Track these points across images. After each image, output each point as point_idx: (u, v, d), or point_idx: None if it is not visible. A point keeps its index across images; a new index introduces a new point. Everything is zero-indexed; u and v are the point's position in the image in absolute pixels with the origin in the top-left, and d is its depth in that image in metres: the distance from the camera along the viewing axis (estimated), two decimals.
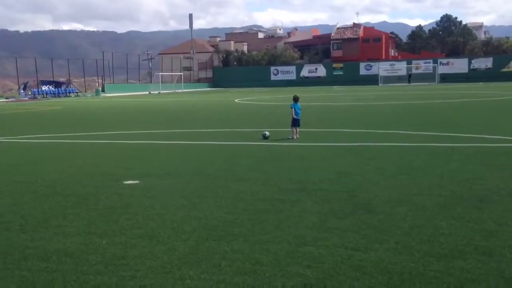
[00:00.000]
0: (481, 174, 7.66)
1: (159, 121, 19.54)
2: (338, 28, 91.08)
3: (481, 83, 62.33)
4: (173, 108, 28.48)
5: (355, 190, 6.79)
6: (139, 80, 73.66)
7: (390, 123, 15.95)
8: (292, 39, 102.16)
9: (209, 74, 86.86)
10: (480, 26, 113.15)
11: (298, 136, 12.11)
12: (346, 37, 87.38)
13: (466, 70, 73.75)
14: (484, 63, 74.06)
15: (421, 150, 10.20)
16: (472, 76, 71.46)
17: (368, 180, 7.44)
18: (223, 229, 5.22)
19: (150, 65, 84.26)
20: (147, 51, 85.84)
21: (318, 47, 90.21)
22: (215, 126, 16.51)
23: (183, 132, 14.93)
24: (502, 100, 26.91)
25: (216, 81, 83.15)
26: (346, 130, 14.29)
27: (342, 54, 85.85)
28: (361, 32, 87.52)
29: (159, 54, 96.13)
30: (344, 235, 4.90)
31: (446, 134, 12.63)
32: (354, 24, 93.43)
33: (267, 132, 12.16)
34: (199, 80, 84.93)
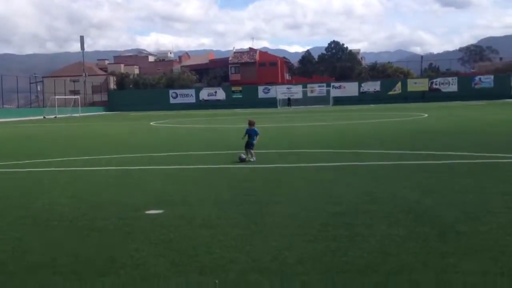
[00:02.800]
0: None
1: (102, 147, 18.03)
2: (235, 53, 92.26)
3: (371, 105, 66.16)
4: (99, 134, 26.65)
5: (412, 210, 6.49)
6: (30, 104, 68.83)
7: (343, 143, 16.01)
8: (189, 62, 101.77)
9: (104, 97, 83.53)
10: (357, 53, 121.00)
11: (253, 157, 11.58)
12: (243, 61, 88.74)
13: (356, 93, 78.16)
14: (372, 86, 79.00)
15: (417, 169, 10.22)
16: (363, 98, 75.86)
17: (405, 198, 7.18)
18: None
19: (39, 88, 79.35)
20: (34, 74, 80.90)
21: (216, 70, 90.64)
22: (167, 150, 15.50)
23: (145, 156, 13.80)
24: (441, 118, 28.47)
25: (112, 105, 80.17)
26: (305, 150, 14.07)
27: (240, 77, 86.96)
28: (257, 57, 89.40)
29: (42, 77, 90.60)
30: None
31: (422, 152, 12.85)
32: (251, 48, 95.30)
33: (243, 155, 11.54)
34: (93, 104, 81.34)
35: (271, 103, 73.98)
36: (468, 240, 5.06)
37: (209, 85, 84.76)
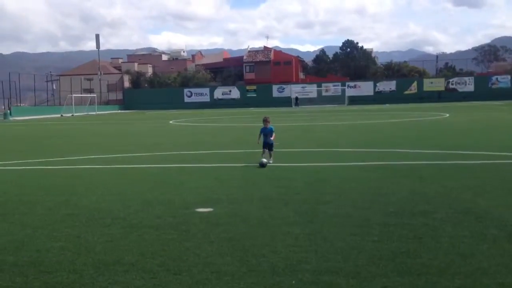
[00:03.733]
0: None
1: (131, 145, 18.03)
2: (249, 51, 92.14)
3: (387, 104, 65.69)
4: (125, 133, 26.71)
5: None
6: (47, 102, 69.25)
7: (387, 142, 15.84)
8: (203, 61, 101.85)
9: (119, 95, 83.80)
10: (371, 52, 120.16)
11: (269, 160, 10.77)
12: (258, 60, 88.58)
13: (372, 93, 77.59)
14: (388, 86, 78.40)
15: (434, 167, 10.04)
16: (378, 98, 75.30)
17: (458, 198, 7.03)
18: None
19: (54, 86, 79.86)
20: (50, 72, 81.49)
21: (230, 69, 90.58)
22: (196, 148, 15.44)
23: (178, 154, 13.75)
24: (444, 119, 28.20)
25: (127, 103, 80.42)
26: (334, 149, 13.92)
27: (254, 76, 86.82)
28: (272, 55, 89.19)
29: (57, 75, 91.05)
30: None
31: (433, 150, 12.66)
32: (265, 47, 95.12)
33: (264, 159, 10.62)
34: (108, 102, 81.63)
35: (286, 102, 73.80)
36: None
37: (224, 84, 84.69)
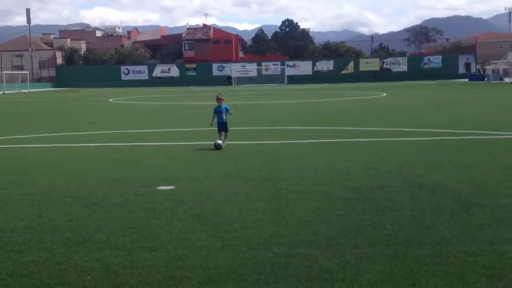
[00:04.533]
0: None
1: (75, 124, 17.43)
2: (188, 29, 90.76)
3: (326, 84, 66.88)
4: (63, 111, 25.74)
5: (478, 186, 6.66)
6: None
7: (331, 120, 16.14)
8: (140, 38, 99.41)
9: (52, 73, 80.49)
10: (308, 32, 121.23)
11: (224, 143, 10.08)
12: (197, 37, 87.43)
13: (310, 72, 78.60)
14: (326, 65, 79.68)
15: (398, 145, 10.45)
16: (316, 77, 76.36)
17: (411, 173, 7.36)
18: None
19: None
20: None
21: (169, 46, 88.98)
22: (144, 127, 15.19)
23: (126, 133, 13.45)
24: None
25: (60, 81, 77.33)
26: (285, 127, 14.12)
27: (194, 54, 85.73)
28: (211, 33, 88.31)
29: None
30: None
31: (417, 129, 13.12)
32: (204, 25, 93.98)
33: (219, 141, 9.98)
34: (40, 80, 78.28)
35: (225, 81, 73.50)
36: (496, 212, 5.24)
37: (162, 62, 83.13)
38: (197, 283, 3.59)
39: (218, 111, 10.46)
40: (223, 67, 78.04)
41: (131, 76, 78.01)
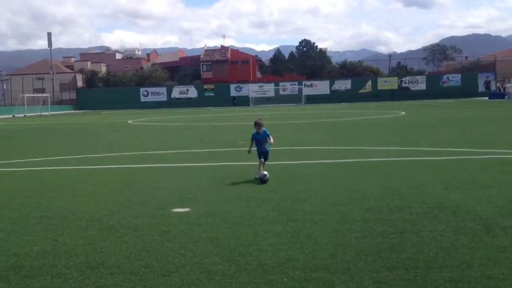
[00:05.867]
0: None
1: (93, 145, 17.59)
2: (206, 50, 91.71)
3: (343, 103, 66.72)
4: (82, 132, 26.05)
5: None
6: None
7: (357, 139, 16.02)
8: (159, 60, 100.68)
9: (72, 95, 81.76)
10: (325, 51, 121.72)
11: (263, 171, 8.54)
12: (215, 59, 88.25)
13: (328, 92, 78.58)
14: (343, 85, 79.59)
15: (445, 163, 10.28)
16: (334, 97, 76.31)
17: (431, 194, 7.20)
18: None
19: (5, 86, 77.30)
20: (0, 71, 78.80)
21: (187, 68, 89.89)
22: (161, 148, 15.24)
23: (143, 154, 13.50)
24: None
25: (80, 103, 78.56)
26: (303, 148, 14.03)
27: (212, 75, 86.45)
28: (229, 54, 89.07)
29: (7, 75, 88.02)
30: None
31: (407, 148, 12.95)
32: (222, 46, 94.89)
33: (264, 172, 8.47)
34: (61, 102, 79.54)
35: (244, 101, 73.86)
36: None
37: (181, 83, 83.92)
38: None
39: (257, 139, 8.90)
40: (241, 88, 78.47)
41: (150, 98, 78.84)
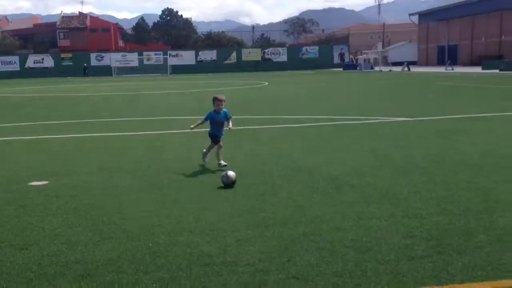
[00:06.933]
0: None
1: None
2: (63, 17, 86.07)
3: (209, 74, 67.11)
4: None
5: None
6: None
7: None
8: (10, 27, 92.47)
9: None
10: (190, 21, 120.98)
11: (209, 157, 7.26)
12: (73, 26, 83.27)
13: (194, 62, 78.39)
14: (209, 55, 79.88)
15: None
16: (200, 67, 76.36)
17: (290, 157, 7.65)
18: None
19: None
20: None
21: (42, 36, 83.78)
22: (12, 120, 14.22)
23: (6, 127, 12.47)
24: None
25: None
26: (172, 117, 14.00)
27: (70, 43, 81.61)
28: (88, 22, 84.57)
29: None
30: None
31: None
32: (80, 13, 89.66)
33: (231, 173, 6.01)
34: None
35: (105, 71, 70.93)
36: (364, 191, 5.63)
37: (36, 52, 78.12)
38: (72, 279, 3.46)
39: (214, 119, 7.12)
40: (102, 57, 75.28)
41: (1, 68, 72.44)
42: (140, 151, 8.56)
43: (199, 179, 6.41)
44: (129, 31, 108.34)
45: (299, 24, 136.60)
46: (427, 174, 6.31)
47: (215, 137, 7.15)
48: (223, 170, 6.40)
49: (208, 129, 7.31)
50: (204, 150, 7.27)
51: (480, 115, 12.70)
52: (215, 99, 7.16)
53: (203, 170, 6.92)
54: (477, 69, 47.66)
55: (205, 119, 7.17)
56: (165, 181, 6.34)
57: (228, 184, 5.90)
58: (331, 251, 3.84)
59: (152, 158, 7.91)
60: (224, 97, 7.22)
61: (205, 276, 3.47)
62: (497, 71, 42.82)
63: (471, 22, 68.96)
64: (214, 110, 7.14)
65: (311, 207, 5.06)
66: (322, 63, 77.02)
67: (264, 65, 76.96)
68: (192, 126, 7.44)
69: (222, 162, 7.02)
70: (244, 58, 79.39)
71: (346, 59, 79.44)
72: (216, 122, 7.15)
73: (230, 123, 7.31)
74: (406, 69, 55.70)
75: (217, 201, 5.37)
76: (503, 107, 14.22)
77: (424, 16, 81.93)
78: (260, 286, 3.30)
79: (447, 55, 70.00)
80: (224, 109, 7.18)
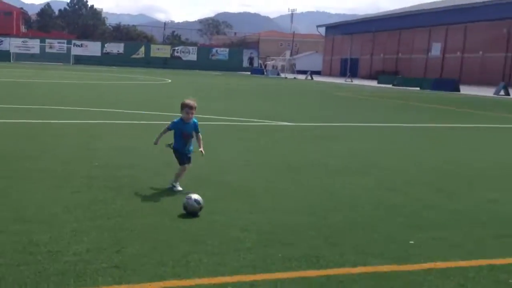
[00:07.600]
0: None
1: None
2: None
3: (114, 67, 65.38)
4: None
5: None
6: None
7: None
8: None
9: None
10: (100, 12, 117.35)
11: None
12: None
13: (99, 53, 76.16)
14: (116, 48, 77.94)
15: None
16: (105, 59, 74.26)
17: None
18: None
19: None
20: None
21: None
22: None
23: None
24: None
25: None
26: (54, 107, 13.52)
27: None
28: None
29: None
30: None
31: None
32: None
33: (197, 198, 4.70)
34: None
35: (3, 56, 66.84)
36: (222, 188, 5.78)
37: None
38: None
39: (182, 131, 5.60)
40: (1, 41, 71.05)
41: None
42: (2, 140, 8.18)
43: (57, 170, 6.24)
44: (34, 17, 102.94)
45: (213, 25, 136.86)
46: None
47: (182, 156, 5.61)
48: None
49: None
50: (172, 184, 5.58)
51: (356, 124, 13.47)
52: (184, 105, 5.50)
53: (67, 161, 6.75)
54: (374, 83, 50.25)
55: (168, 129, 5.67)
56: (22, 170, 6.11)
57: (195, 211, 4.64)
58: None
59: (14, 147, 7.58)
60: (195, 103, 5.56)
61: (24, 264, 3.39)
62: (390, 85, 45.43)
63: (372, 38, 72.76)
64: (181, 119, 5.57)
65: (156, 199, 5.13)
66: (231, 65, 77.73)
67: (173, 63, 76.32)
68: (154, 141, 5.80)
69: (178, 187, 5.54)
70: (153, 54, 78.27)
71: (255, 64, 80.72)
72: (182, 134, 5.58)
73: (201, 143, 5.69)
74: (309, 77, 57.60)
75: (67, 191, 5.27)
76: (366, 118, 15.16)
77: (331, 28, 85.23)
78: (78, 275, 3.28)
79: (349, 68, 73.28)
80: (194, 119, 5.62)
